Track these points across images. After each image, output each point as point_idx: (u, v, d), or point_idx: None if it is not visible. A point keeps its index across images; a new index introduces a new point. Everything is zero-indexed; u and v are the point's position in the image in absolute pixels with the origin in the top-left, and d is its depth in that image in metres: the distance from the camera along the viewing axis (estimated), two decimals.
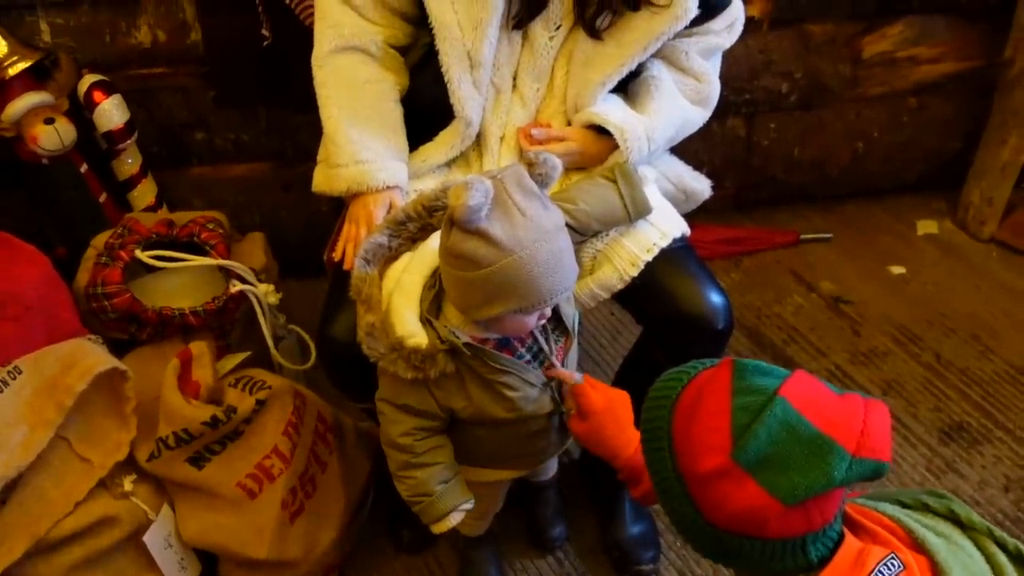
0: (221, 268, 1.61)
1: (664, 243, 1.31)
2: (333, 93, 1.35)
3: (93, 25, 1.80)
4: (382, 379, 1.19)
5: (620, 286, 1.31)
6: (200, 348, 1.45)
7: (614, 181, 1.29)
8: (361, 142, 1.32)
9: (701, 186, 1.53)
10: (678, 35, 1.32)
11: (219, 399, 1.42)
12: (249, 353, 1.58)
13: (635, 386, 1.45)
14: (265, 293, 1.63)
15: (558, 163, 1.10)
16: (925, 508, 0.97)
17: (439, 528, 1.23)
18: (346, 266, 1.28)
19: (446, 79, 1.31)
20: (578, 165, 1.38)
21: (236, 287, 1.59)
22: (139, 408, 1.39)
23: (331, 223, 1.69)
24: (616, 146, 1.33)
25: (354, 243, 1.30)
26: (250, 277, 1.62)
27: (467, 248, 1.03)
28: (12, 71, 1.65)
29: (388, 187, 1.33)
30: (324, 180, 1.37)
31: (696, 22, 1.32)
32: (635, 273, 1.30)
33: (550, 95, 1.39)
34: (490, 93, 1.36)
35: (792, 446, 0.81)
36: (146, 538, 1.40)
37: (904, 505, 0.97)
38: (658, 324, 1.35)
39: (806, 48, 2.16)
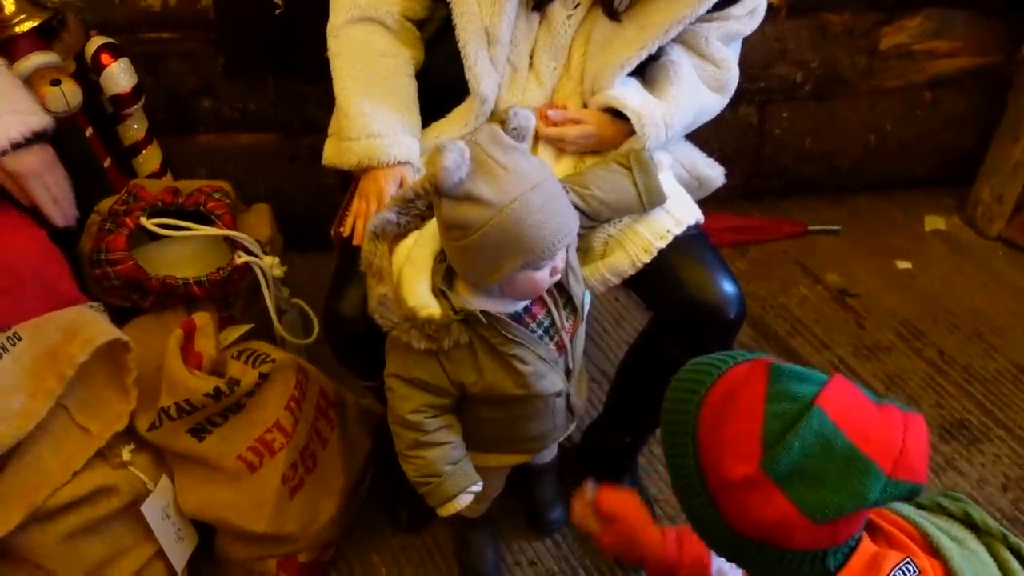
0: (226, 238, 1.59)
1: (678, 231, 1.30)
2: (347, 64, 1.33)
3: None
4: (392, 354, 1.18)
5: (631, 271, 1.30)
6: (204, 319, 1.44)
7: (629, 168, 1.27)
8: (373, 116, 1.30)
9: (714, 173, 1.51)
10: (699, 20, 1.31)
11: (222, 371, 1.41)
12: (252, 325, 1.57)
13: (642, 373, 1.46)
14: (271, 266, 1.62)
15: (531, 115, 1.11)
16: (941, 510, 0.95)
17: (445, 511, 1.22)
18: (355, 241, 1.27)
19: (462, 55, 1.29)
20: (593, 148, 1.36)
21: (241, 258, 1.57)
22: (140, 378, 1.38)
23: (337, 197, 1.67)
24: (632, 131, 1.31)
25: (364, 218, 1.28)
26: (255, 249, 1.60)
27: (459, 214, 1.04)
28: (19, 29, 1.61)
29: (399, 162, 1.30)
30: (335, 153, 1.36)
31: (718, 7, 1.30)
32: (647, 260, 1.29)
33: (567, 76, 1.37)
34: (506, 71, 1.34)
35: (826, 461, 0.78)
36: (144, 508, 1.39)
37: (920, 506, 0.95)
38: (668, 311, 1.33)
39: (823, 37, 2.14)
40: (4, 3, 1.62)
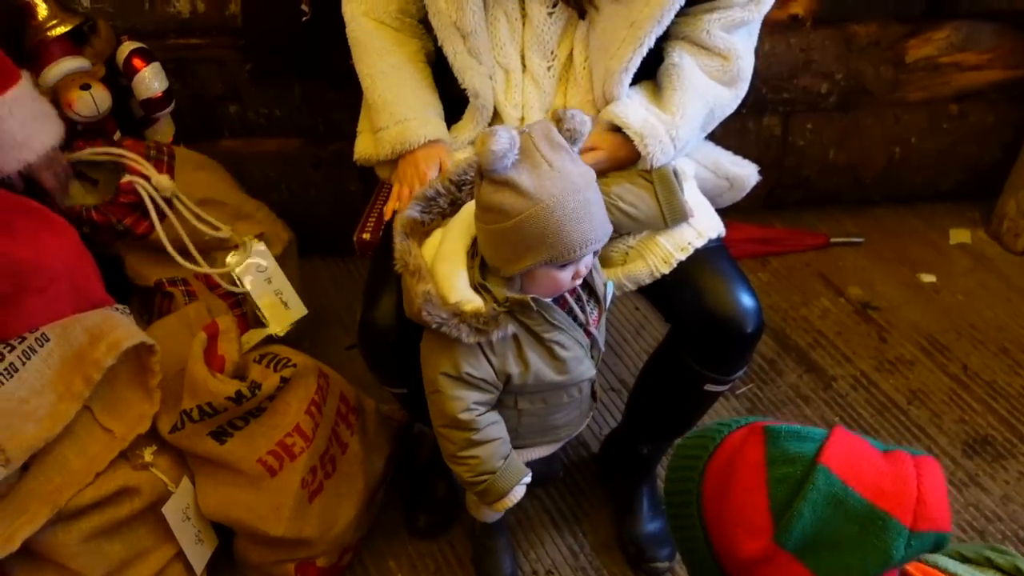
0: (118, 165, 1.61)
1: (700, 243, 1.29)
2: (364, 57, 1.38)
3: None
4: (435, 354, 1.18)
5: (649, 280, 1.30)
6: (226, 323, 1.46)
7: (651, 183, 1.27)
8: (398, 102, 1.35)
9: (745, 171, 1.48)
10: (697, 11, 1.29)
11: (243, 374, 1.42)
12: (307, 311, 1.58)
13: (660, 384, 1.46)
14: (161, 185, 1.61)
15: (587, 119, 1.11)
16: (989, 564, 0.88)
17: (501, 506, 1.25)
18: (387, 216, 1.33)
19: (444, 53, 1.33)
20: (608, 171, 1.34)
21: (127, 178, 1.59)
22: (162, 381, 1.39)
23: (360, 203, 1.69)
24: None
25: (404, 202, 1.29)
26: (149, 171, 1.61)
27: (496, 199, 1.07)
28: (52, 34, 1.64)
29: (431, 141, 1.35)
30: (367, 146, 1.41)
31: None
32: (667, 271, 1.29)
33: (574, 83, 1.37)
34: (499, 74, 1.36)
35: (841, 523, 0.72)
36: (164, 510, 1.40)
37: (965, 559, 0.88)
38: (686, 323, 1.33)
39: (849, 49, 2.12)
40: (37, 8, 1.65)
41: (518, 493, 1.25)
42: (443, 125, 1.37)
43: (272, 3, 1.75)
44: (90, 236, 1.58)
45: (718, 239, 1.33)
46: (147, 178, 1.59)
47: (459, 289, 1.14)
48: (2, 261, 1.25)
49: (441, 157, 1.34)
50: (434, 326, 1.12)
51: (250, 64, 1.90)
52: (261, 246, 1.67)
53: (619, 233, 1.29)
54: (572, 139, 1.10)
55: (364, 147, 1.43)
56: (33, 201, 1.41)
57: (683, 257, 1.28)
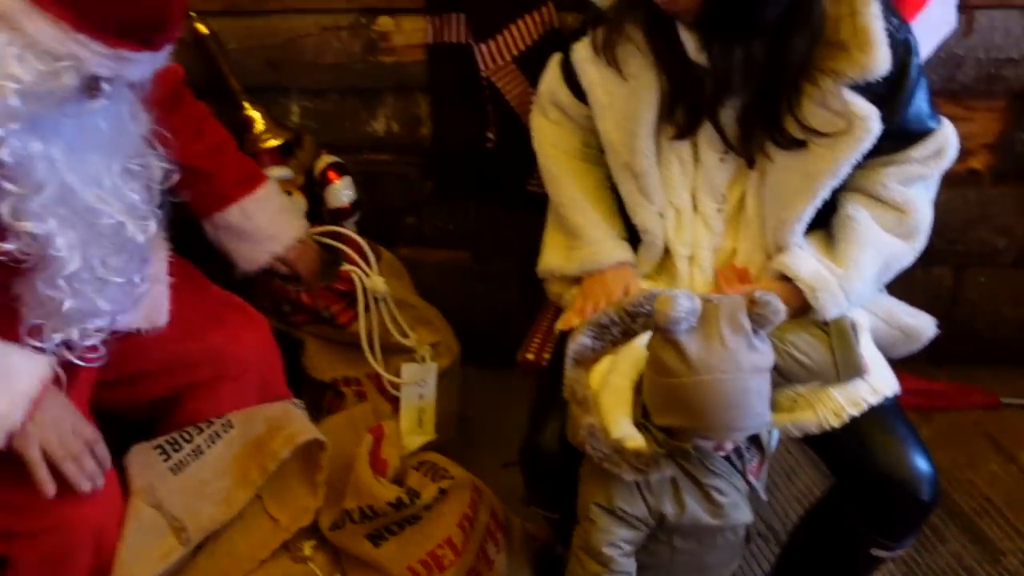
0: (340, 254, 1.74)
1: (874, 400, 1.27)
2: (555, 183, 1.46)
3: (337, 111, 1.97)
4: (594, 484, 1.20)
5: (816, 432, 1.27)
6: (391, 427, 1.52)
7: (828, 336, 1.25)
8: (589, 225, 1.42)
9: (920, 323, 1.44)
10: (873, 164, 1.29)
11: (403, 480, 1.47)
12: (435, 437, 1.63)
13: (819, 543, 1.40)
14: (375, 282, 1.71)
15: (781, 309, 1.10)
16: None
17: None
18: (567, 330, 1.35)
19: (618, 189, 1.40)
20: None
21: (347, 267, 1.69)
22: (327, 477, 1.46)
23: (520, 319, 1.75)
24: None
25: (584, 317, 1.32)
26: (366, 267, 1.72)
27: (661, 353, 1.09)
28: (265, 146, 1.82)
29: (621, 263, 1.40)
30: (554, 260, 1.47)
31: (893, 150, 1.28)
32: (837, 424, 1.26)
33: (744, 227, 1.38)
34: (670, 212, 1.39)
35: None
36: None
37: None
38: (854, 480, 1.29)
39: None
40: (256, 122, 1.83)
41: None
42: (630, 250, 1.42)
43: (461, 130, 1.87)
44: (286, 315, 1.70)
45: (893, 397, 1.30)
46: (365, 272, 1.71)
47: (622, 425, 1.15)
48: (211, 351, 1.37)
49: (628, 280, 1.38)
50: (596, 459, 1.14)
51: (433, 182, 2.03)
52: (434, 365, 1.74)
53: (788, 382, 1.28)
54: (760, 324, 1.09)
55: (550, 260, 1.49)
56: (236, 296, 1.54)
57: (855, 413, 1.25)
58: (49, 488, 1.16)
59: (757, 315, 1.09)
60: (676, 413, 1.10)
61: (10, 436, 1.12)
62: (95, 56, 1.02)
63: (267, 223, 1.59)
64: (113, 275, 1.21)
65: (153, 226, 1.26)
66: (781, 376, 1.25)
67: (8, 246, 1.09)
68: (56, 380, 1.20)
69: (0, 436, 1.12)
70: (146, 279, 1.31)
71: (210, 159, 1.53)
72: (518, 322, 1.99)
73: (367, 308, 1.71)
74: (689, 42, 1.25)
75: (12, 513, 1.20)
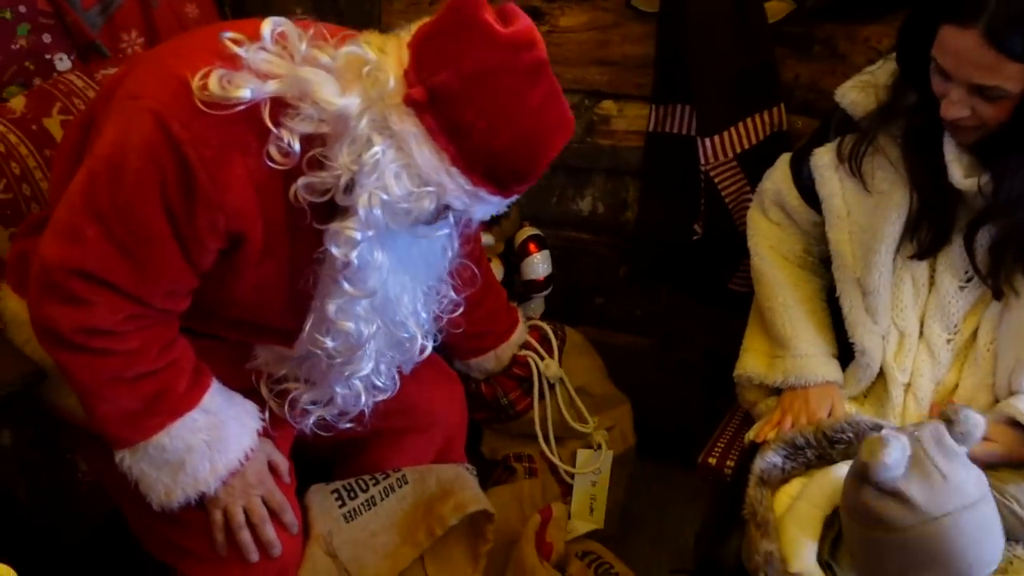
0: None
1: None
2: (767, 287, 1.41)
3: (547, 187, 2.00)
4: None
5: None
6: (560, 510, 1.50)
7: None
8: (798, 336, 1.36)
9: None
10: None
11: (565, 567, 1.44)
12: (603, 526, 1.58)
13: None
14: (549, 369, 1.69)
15: (981, 421, 1.04)
16: None
17: None
18: (758, 442, 1.29)
19: (840, 303, 1.32)
20: (1000, 466, 1.22)
21: (524, 352, 1.68)
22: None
23: (698, 416, 1.68)
24: None
25: (779, 431, 1.28)
26: (543, 351, 1.71)
27: (881, 508, 1.00)
28: None
29: (828, 382, 1.34)
30: (754, 365, 1.42)
31: None
32: None
33: (972, 363, 1.29)
34: (892, 334, 1.31)
35: None
36: None
37: None
38: None
39: None
40: None
41: None
42: (840, 369, 1.36)
43: (668, 218, 1.85)
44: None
45: None
46: (540, 355, 1.71)
47: (804, 559, 1.08)
48: (407, 400, 1.39)
49: (834, 401, 1.32)
50: None
51: (630, 265, 2.01)
52: (610, 453, 1.71)
53: (1008, 539, 1.15)
54: (963, 442, 1.04)
55: (750, 365, 1.44)
56: (435, 353, 1.58)
57: None
58: (222, 551, 1.22)
59: (959, 433, 1.03)
60: (915, 570, 1.01)
61: (202, 496, 1.19)
62: (457, 189, 1.06)
63: (510, 354, 1.68)
64: (387, 380, 1.27)
65: (431, 347, 1.30)
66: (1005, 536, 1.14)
67: (330, 343, 1.16)
68: (264, 432, 1.25)
69: (193, 496, 1.18)
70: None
71: (483, 325, 1.60)
72: (695, 418, 1.92)
73: (542, 396, 1.70)
74: (956, 164, 1.20)
75: (196, 562, 1.26)
